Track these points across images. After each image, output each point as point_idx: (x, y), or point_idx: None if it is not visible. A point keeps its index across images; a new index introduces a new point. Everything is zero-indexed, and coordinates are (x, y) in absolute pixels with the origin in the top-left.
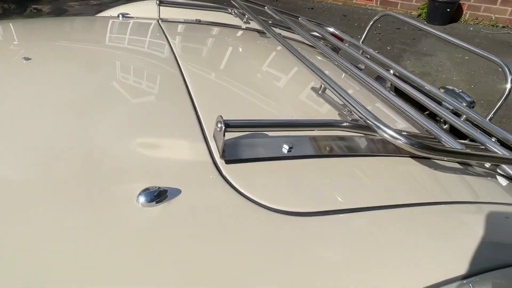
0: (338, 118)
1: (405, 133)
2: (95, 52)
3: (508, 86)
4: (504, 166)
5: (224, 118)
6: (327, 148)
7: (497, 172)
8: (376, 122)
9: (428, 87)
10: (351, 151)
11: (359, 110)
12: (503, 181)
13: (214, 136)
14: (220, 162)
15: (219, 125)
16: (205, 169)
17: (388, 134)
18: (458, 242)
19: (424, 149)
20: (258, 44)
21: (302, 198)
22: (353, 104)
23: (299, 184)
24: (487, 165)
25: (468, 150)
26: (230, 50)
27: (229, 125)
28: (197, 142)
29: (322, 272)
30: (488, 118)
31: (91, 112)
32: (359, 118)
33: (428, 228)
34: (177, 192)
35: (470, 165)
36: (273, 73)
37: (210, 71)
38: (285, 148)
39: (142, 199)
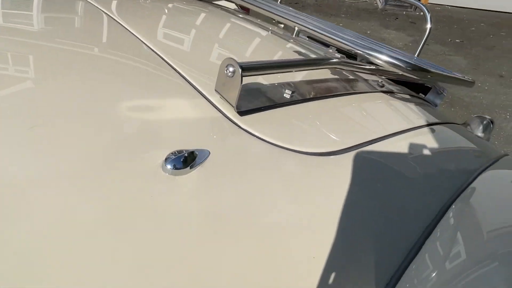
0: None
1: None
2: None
3: (428, 26)
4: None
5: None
6: (322, 89)
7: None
8: (366, 50)
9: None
10: (341, 91)
11: (348, 43)
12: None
13: (220, 87)
14: (233, 115)
15: (231, 69)
16: (221, 125)
17: (382, 60)
18: None
19: (417, 70)
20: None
21: (324, 138)
22: (340, 39)
23: (314, 125)
24: None
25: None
26: (184, 14)
27: (245, 68)
28: (197, 99)
29: (361, 202)
30: (416, 55)
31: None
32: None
33: None
34: (206, 153)
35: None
36: (236, 27)
37: (171, 34)
38: (288, 94)
39: (169, 166)
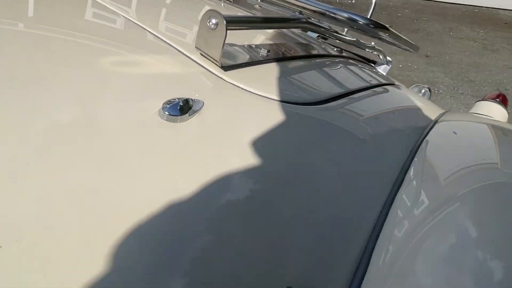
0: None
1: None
2: None
3: None
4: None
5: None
6: (291, 51)
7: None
8: (330, 9)
9: None
10: (307, 53)
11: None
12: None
13: (201, 43)
14: (218, 70)
15: (214, 21)
16: (208, 79)
17: (344, 17)
18: None
19: (377, 27)
20: None
21: (307, 91)
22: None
23: (295, 80)
24: None
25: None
26: None
27: (229, 21)
28: (179, 57)
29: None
30: (368, 15)
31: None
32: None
33: None
34: (200, 102)
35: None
36: None
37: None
38: (263, 53)
39: (169, 112)
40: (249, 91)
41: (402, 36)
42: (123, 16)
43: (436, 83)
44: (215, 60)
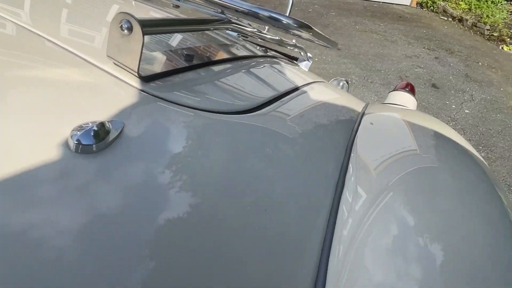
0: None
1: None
2: None
3: None
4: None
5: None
6: (215, 55)
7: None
8: (252, 9)
9: None
10: (231, 56)
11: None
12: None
13: (113, 51)
14: (136, 81)
15: (127, 25)
16: (126, 92)
17: (266, 16)
18: None
19: (301, 26)
20: None
21: (237, 98)
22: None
23: (224, 87)
24: None
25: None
26: None
27: (146, 24)
28: (85, 68)
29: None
30: (287, 13)
31: None
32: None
33: None
34: (119, 123)
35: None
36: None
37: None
38: (186, 57)
39: (80, 141)
40: (175, 103)
41: (323, 34)
42: (12, 21)
43: (349, 74)
44: (132, 69)
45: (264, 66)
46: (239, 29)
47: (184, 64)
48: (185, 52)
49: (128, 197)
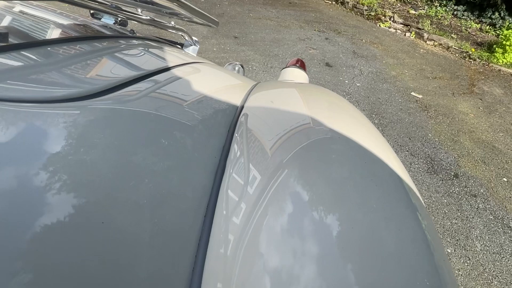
0: None
1: None
2: None
3: None
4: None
5: None
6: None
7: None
8: None
9: None
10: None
11: None
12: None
13: None
14: None
15: None
16: None
17: None
18: None
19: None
20: None
21: (82, 82)
22: None
23: (55, 73)
24: None
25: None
26: None
27: None
28: None
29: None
30: None
31: None
32: None
33: None
34: None
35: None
36: None
37: None
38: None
39: None
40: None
41: (200, 10)
42: None
43: (249, 61)
44: None
45: (131, 48)
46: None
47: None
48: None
49: None
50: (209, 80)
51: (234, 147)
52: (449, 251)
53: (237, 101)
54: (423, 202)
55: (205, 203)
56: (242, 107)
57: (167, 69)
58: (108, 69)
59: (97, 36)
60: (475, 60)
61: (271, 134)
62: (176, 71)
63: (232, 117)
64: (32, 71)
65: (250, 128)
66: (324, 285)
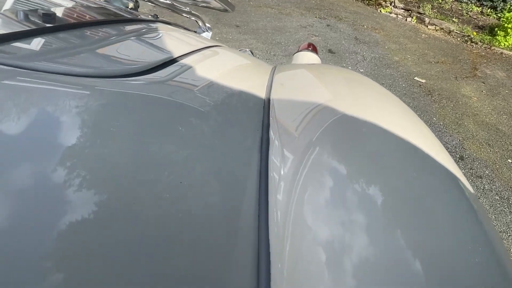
0: None
1: None
2: None
3: None
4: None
5: None
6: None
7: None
8: None
9: None
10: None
11: None
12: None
13: None
14: None
15: None
16: None
17: None
18: None
19: None
20: None
21: (120, 62)
22: None
23: (101, 51)
24: None
25: None
26: None
27: None
28: None
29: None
30: None
31: None
32: None
33: None
34: None
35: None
36: None
37: None
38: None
39: None
40: (35, 70)
41: None
42: None
43: (252, 49)
44: None
45: (154, 32)
46: None
47: (45, 24)
48: (43, 12)
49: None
50: (233, 63)
51: (272, 129)
52: None
53: (263, 82)
54: (465, 178)
55: (254, 182)
56: (271, 87)
57: (193, 52)
58: (137, 53)
59: (120, 20)
60: (477, 43)
61: (300, 114)
62: (201, 56)
63: (262, 102)
64: (69, 51)
65: (279, 110)
66: (378, 251)
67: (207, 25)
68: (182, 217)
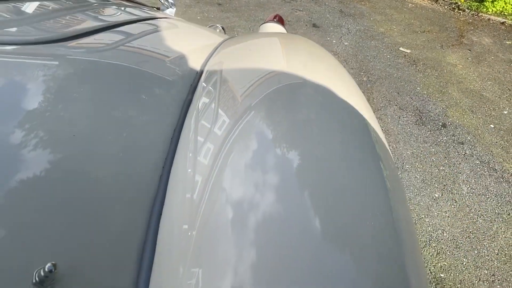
0: None
1: None
2: None
3: None
4: None
5: None
6: None
7: None
8: None
9: None
10: None
11: None
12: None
13: None
14: None
15: None
16: None
17: None
18: None
19: None
20: None
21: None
22: None
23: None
24: None
25: None
26: None
27: None
28: None
29: None
30: None
31: None
32: None
33: None
34: None
35: None
36: None
37: None
38: None
39: None
40: None
41: None
42: None
43: (234, 27)
44: None
45: (101, 6)
46: None
47: None
48: None
49: None
50: (181, 32)
51: (198, 94)
52: (436, 195)
53: (207, 49)
54: (390, 153)
55: (166, 147)
56: (212, 54)
57: (136, 21)
58: (74, 22)
59: None
60: (464, 11)
61: (243, 82)
62: (145, 25)
63: (197, 69)
64: (6, 22)
65: (223, 77)
66: (281, 209)
67: (170, 1)
68: (89, 174)
